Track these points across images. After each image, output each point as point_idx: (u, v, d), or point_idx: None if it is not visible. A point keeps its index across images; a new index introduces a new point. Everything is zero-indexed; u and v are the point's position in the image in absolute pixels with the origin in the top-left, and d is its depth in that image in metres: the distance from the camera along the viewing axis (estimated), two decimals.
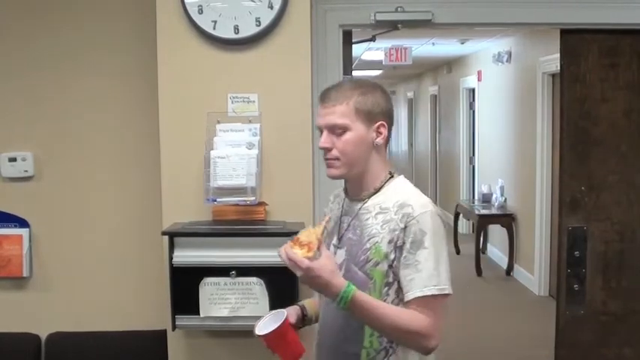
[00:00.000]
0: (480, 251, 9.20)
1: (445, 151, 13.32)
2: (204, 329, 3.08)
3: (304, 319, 2.44)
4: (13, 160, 3.40)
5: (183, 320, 2.97)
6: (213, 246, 2.93)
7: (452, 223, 10.53)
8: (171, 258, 2.94)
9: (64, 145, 3.43)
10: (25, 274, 3.44)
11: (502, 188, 9.22)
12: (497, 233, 9.49)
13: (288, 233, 2.56)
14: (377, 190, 2.28)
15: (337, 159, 2.25)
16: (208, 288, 2.92)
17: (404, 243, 2.15)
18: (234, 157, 3.02)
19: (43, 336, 3.44)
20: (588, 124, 3.46)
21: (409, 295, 2.12)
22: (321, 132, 2.28)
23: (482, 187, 9.89)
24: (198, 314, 2.93)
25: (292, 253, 2.08)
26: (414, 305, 2.12)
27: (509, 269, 8.83)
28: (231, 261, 2.89)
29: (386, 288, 2.19)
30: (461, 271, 9.16)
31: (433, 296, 2.12)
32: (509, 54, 8.95)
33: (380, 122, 2.26)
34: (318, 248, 2.09)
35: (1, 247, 3.41)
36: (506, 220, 8.88)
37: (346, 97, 2.23)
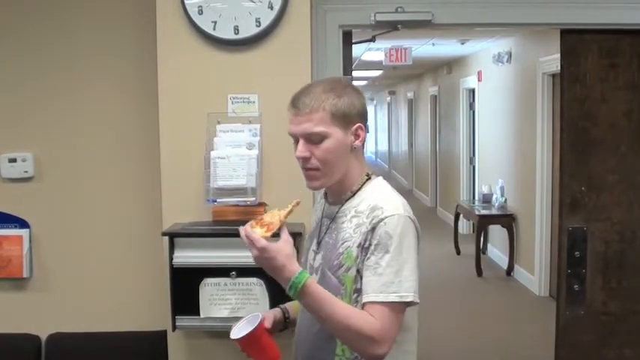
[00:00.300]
0: (480, 251, 9.20)
1: (445, 151, 13.32)
2: (204, 330, 3.08)
3: (286, 322, 2.39)
4: (13, 160, 3.41)
5: (183, 321, 2.98)
6: (214, 246, 2.93)
7: (452, 224, 10.56)
8: (171, 258, 2.94)
9: (64, 146, 3.43)
10: (25, 275, 3.44)
11: (502, 188, 9.22)
12: (497, 233, 9.50)
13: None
14: (354, 193, 2.21)
15: (317, 169, 2.15)
16: (208, 288, 2.93)
17: (370, 245, 2.07)
18: (234, 158, 3.01)
19: (44, 337, 3.45)
20: (588, 125, 3.46)
21: (364, 298, 2.04)
22: (296, 140, 2.17)
23: (482, 188, 9.89)
24: (199, 315, 2.93)
25: (251, 231, 2.03)
26: (368, 309, 2.02)
27: (510, 269, 8.83)
28: (231, 261, 2.89)
29: (355, 294, 2.11)
30: (461, 272, 9.18)
31: (391, 303, 2.02)
32: (510, 54, 8.95)
33: (357, 124, 2.18)
34: (279, 230, 2.05)
35: (1, 247, 3.41)
36: (507, 220, 8.88)
37: (320, 102, 2.12)
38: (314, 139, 2.13)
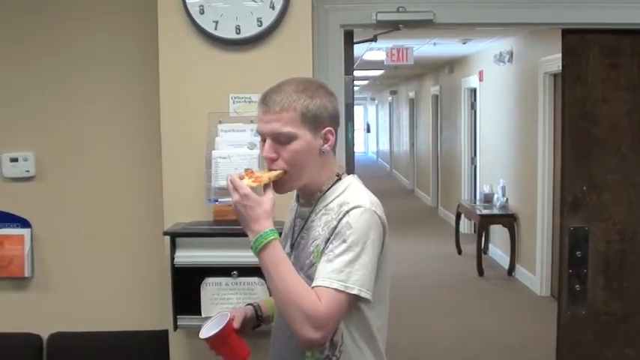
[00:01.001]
0: (481, 251, 9.19)
1: (447, 151, 13.32)
2: None
3: (259, 319, 2.37)
4: (14, 160, 3.41)
5: (184, 320, 2.98)
6: (215, 246, 2.93)
7: (453, 223, 10.56)
8: (172, 258, 2.95)
9: (65, 146, 3.44)
10: (26, 274, 3.44)
11: (503, 188, 9.22)
12: (498, 233, 9.49)
13: None
14: (323, 193, 2.16)
15: (284, 171, 2.11)
16: (210, 288, 2.93)
17: (331, 235, 2.04)
18: (235, 158, 3.02)
19: (45, 336, 3.45)
20: (589, 124, 3.46)
21: (313, 283, 2.00)
22: (264, 139, 2.13)
23: (483, 187, 9.89)
24: (200, 314, 2.92)
25: (236, 177, 2.05)
26: (316, 292, 1.98)
27: (511, 269, 8.83)
28: (232, 261, 2.89)
29: None
30: (462, 271, 9.18)
31: (335, 290, 1.97)
32: (511, 54, 8.95)
33: (327, 128, 2.11)
34: (265, 188, 2.06)
35: (3, 247, 3.42)
36: (508, 220, 8.87)
37: (292, 102, 2.06)
38: (282, 140, 2.07)
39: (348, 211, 2.04)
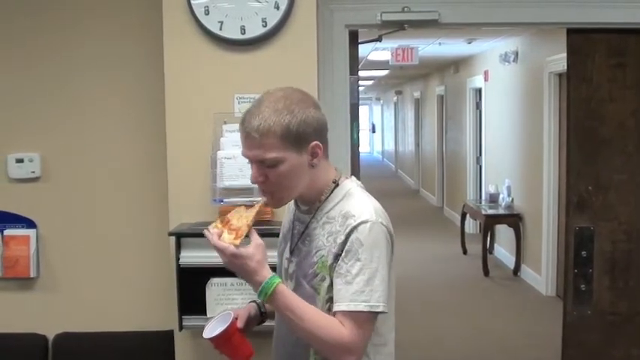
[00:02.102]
0: (486, 251, 9.18)
1: (452, 151, 13.31)
2: None
3: (262, 315, 2.36)
4: (20, 161, 3.41)
5: (190, 321, 2.99)
6: None
7: (459, 223, 10.55)
8: (177, 259, 2.95)
9: (71, 146, 3.44)
10: (32, 275, 3.44)
11: (509, 188, 9.21)
12: (504, 233, 9.48)
13: None
14: (322, 203, 2.13)
15: (273, 192, 2.09)
16: (215, 288, 2.93)
17: (341, 251, 2.02)
18: (240, 158, 2.98)
19: (51, 336, 3.45)
20: (595, 124, 3.46)
21: (335, 307, 2.01)
22: (250, 161, 2.09)
23: (489, 187, 9.88)
24: (205, 315, 2.92)
25: (217, 240, 2.00)
26: (339, 317, 1.99)
27: (517, 269, 8.81)
28: None
29: (328, 303, 2.07)
30: (468, 272, 9.17)
31: (360, 312, 1.98)
32: (516, 54, 8.94)
33: (313, 143, 2.05)
34: (248, 235, 2.02)
35: (9, 247, 3.42)
36: (513, 220, 8.86)
37: (270, 125, 1.98)
38: (267, 164, 2.03)
39: (355, 227, 2.02)
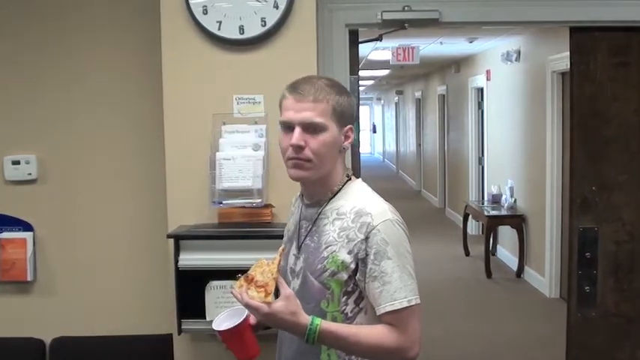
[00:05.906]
0: (489, 253, 9.15)
1: (454, 151, 13.30)
2: (210, 333, 3.05)
3: None
4: (16, 163, 3.39)
5: (189, 324, 2.97)
6: (219, 249, 2.91)
7: (461, 224, 10.53)
8: (176, 261, 2.93)
9: (67, 148, 3.42)
10: (29, 278, 3.42)
11: (512, 189, 9.18)
12: (507, 234, 9.46)
13: None
14: (334, 195, 2.18)
15: (309, 160, 2.10)
16: (214, 291, 2.91)
17: (367, 255, 2.07)
18: (239, 159, 2.99)
19: (48, 340, 3.43)
20: (598, 123, 3.43)
21: (380, 310, 2.07)
22: (288, 128, 2.12)
23: (491, 188, 9.87)
24: (205, 318, 2.91)
25: (248, 299, 1.99)
26: (387, 318, 2.06)
27: (520, 271, 8.79)
28: (237, 264, 2.83)
29: (345, 297, 2.12)
30: (470, 273, 9.15)
31: (404, 308, 2.05)
32: (518, 53, 8.91)
33: (349, 126, 2.17)
34: (276, 289, 2.02)
35: (5, 250, 3.39)
36: (516, 221, 8.83)
37: (326, 94, 2.09)
38: (312, 129, 2.09)
39: (376, 227, 2.06)
